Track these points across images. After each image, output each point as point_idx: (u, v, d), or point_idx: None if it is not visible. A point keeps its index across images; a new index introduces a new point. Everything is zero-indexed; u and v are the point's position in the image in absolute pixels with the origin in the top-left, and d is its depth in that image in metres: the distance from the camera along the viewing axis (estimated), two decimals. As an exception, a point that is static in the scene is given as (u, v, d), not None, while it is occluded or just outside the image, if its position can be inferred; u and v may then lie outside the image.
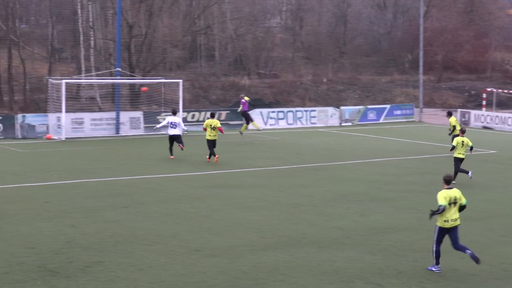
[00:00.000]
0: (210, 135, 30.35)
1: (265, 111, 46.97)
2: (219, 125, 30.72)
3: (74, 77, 45.91)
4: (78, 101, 47.13)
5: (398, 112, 52.07)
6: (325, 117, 48.61)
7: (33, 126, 38.75)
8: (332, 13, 74.53)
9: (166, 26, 55.96)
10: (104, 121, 40.64)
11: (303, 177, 26.94)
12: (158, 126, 33.41)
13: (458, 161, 26.32)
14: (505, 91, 57.85)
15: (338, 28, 72.61)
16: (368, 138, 41.08)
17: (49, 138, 38.26)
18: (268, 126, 45.89)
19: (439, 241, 15.07)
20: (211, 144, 30.35)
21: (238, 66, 64.24)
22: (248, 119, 41.09)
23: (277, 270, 14.98)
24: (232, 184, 25.24)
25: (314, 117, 48.20)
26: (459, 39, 71.95)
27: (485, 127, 48.00)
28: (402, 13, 79.44)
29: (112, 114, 41.30)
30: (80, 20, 50.77)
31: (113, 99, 45.07)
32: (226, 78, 61.26)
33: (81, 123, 39.83)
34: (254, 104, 48.20)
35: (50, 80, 41.24)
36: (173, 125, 31.02)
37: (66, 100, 38.91)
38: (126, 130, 40.81)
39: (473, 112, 50.35)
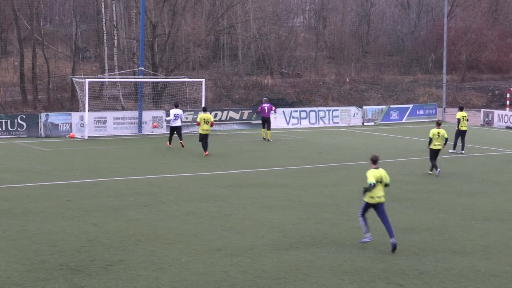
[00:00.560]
0: (203, 130, 31.54)
1: (287, 110, 46.96)
2: (212, 119, 32.20)
3: (98, 76, 46.16)
4: (101, 100, 47.36)
5: (421, 112, 51.84)
6: (348, 116, 48.50)
7: (57, 125, 38.97)
8: (356, 13, 74.42)
9: (190, 26, 56.09)
10: (126, 120, 40.81)
11: (326, 177, 26.90)
12: (167, 118, 35.93)
13: (433, 152, 27.24)
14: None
15: (361, 28, 72.47)
16: (390, 138, 40.93)
17: (72, 137, 38.48)
18: (290, 126, 45.88)
19: (363, 214, 16.54)
20: (204, 137, 31.55)
21: (261, 66, 64.31)
22: (269, 125, 38.41)
23: (298, 270, 14.95)
24: (254, 183, 25.23)
25: (336, 116, 48.11)
26: (483, 39, 71.56)
27: (508, 127, 47.66)
28: (425, 13, 79.19)
29: (135, 113, 41.47)
30: (104, 20, 51.02)
31: (136, 98, 45.28)
32: (248, 78, 61.34)
33: (104, 122, 40.02)
34: (276, 104, 48.20)
35: (73, 79, 41.51)
36: (176, 117, 33.82)
37: (90, 99, 39.20)
38: (148, 129, 40.95)
39: (497, 112, 50.02)
